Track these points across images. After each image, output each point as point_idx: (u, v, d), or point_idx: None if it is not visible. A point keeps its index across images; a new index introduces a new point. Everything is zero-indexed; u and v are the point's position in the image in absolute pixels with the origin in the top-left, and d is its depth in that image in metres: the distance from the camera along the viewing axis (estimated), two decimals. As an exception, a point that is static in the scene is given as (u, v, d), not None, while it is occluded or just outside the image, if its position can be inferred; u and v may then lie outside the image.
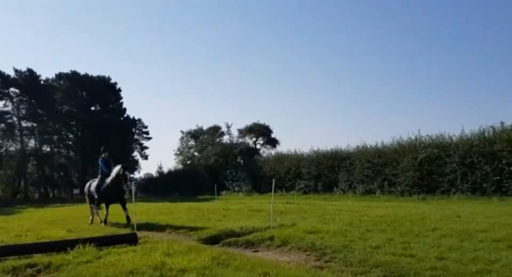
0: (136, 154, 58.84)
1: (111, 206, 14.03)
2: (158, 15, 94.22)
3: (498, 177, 20.14)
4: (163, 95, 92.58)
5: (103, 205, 14.41)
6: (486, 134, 21.93)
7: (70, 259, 7.49)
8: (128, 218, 12.85)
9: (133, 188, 12.34)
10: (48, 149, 53.54)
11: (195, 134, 50.04)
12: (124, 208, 13.16)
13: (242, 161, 41.15)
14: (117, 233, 10.50)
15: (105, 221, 13.58)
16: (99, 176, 14.10)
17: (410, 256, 6.94)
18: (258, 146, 45.76)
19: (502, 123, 21.46)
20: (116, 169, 13.12)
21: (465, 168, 21.48)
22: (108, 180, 13.36)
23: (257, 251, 8.43)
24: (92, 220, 14.43)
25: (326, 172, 29.91)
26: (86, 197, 15.08)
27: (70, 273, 6.58)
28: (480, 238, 8.23)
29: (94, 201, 14.32)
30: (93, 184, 14.36)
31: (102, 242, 8.79)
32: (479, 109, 67.92)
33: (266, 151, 44.18)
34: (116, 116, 55.59)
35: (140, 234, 10.10)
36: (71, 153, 55.89)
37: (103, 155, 14.29)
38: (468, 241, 8.07)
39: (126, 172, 12.87)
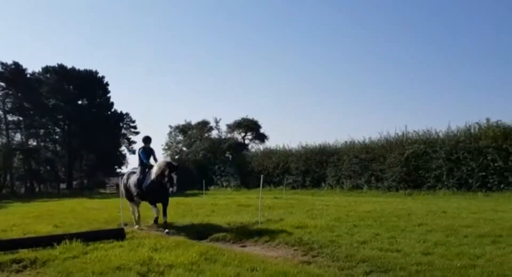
0: (123, 148, 58.50)
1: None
2: (146, 10, 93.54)
3: (483, 173, 20.39)
4: (151, 90, 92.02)
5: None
6: (472, 131, 22.15)
7: (56, 254, 7.44)
8: (166, 224, 10.71)
9: (120, 182, 12.22)
10: (35, 143, 52.95)
11: (184, 129, 49.77)
12: (165, 213, 10.88)
13: (230, 156, 41.10)
14: (104, 228, 10.46)
15: (156, 221, 11.40)
16: (138, 169, 11.70)
17: (396, 251, 7.01)
18: (246, 141, 45.72)
19: (487, 120, 21.70)
20: (159, 166, 10.81)
21: (451, 164, 21.71)
22: (153, 174, 10.95)
23: (244, 246, 8.45)
24: (138, 221, 11.72)
25: (314, 168, 30.03)
26: (122, 192, 12.20)
27: (57, 268, 6.54)
28: (465, 233, 8.34)
29: (133, 198, 11.76)
30: (132, 177, 11.85)
31: (89, 237, 8.74)
32: (465, 106, 68.65)
33: (254, 146, 44.17)
34: (103, 111, 55.13)
35: (127, 229, 10.07)
36: (58, 148, 55.35)
37: (144, 145, 12.01)
38: (454, 236, 8.17)
39: (173, 174, 10.42)
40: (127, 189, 11.97)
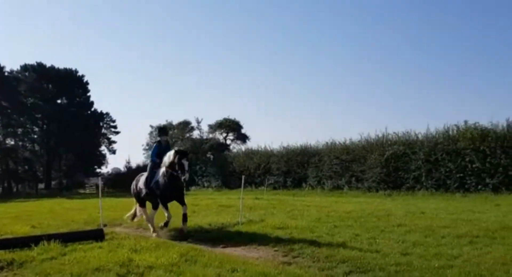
0: (103, 148, 57.92)
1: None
2: (126, 7, 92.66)
3: (461, 174, 20.75)
4: (132, 89, 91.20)
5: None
6: (450, 132, 22.54)
7: (34, 255, 7.32)
8: (185, 216, 9.64)
9: (100, 182, 12.05)
10: (12, 143, 52.12)
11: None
12: (183, 204, 9.81)
13: (212, 157, 41.02)
14: (83, 229, 10.32)
15: (166, 224, 10.11)
16: (148, 166, 10.59)
17: (375, 251, 7.08)
18: (228, 142, 45.70)
19: (465, 122, 22.12)
20: (168, 155, 9.64)
21: (429, 165, 22.03)
22: (160, 171, 9.81)
23: (225, 247, 8.42)
24: (155, 228, 10.14)
25: (296, 168, 30.16)
26: (134, 197, 11.09)
27: (34, 270, 6.43)
28: (443, 234, 8.47)
29: (143, 201, 10.68)
30: (141, 178, 10.62)
31: (68, 238, 8.61)
32: (444, 108, 69.70)
33: (236, 147, 44.18)
34: (83, 110, 54.54)
35: (106, 230, 9.95)
36: (36, 147, 54.52)
37: (159, 139, 10.56)
38: (432, 236, 8.29)
39: (183, 161, 9.29)
40: (138, 193, 10.63)
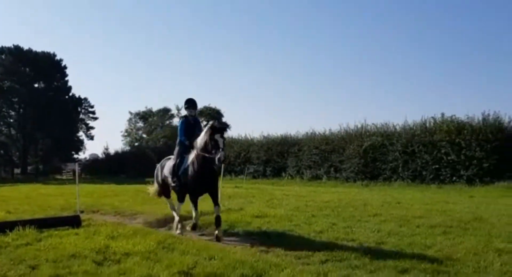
0: (81, 134, 57.05)
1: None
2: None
3: (436, 166, 21.09)
4: (111, 75, 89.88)
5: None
6: (427, 125, 22.82)
7: (9, 241, 7.23)
8: (218, 219, 7.76)
9: (76, 168, 11.91)
10: (-13, 126, 50.97)
11: (144, 116, 49.04)
12: (216, 203, 7.93)
13: (192, 144, 40.86)
14: (59, 215, 10.21)
15: (194, 227, 8.60)
16: (176, 149, 8.46)
17: (351, 240, 7.20)
18: (208, 130, 45.54)
19: (442, 114, 22.39)
20: (202, 135, 7.74)
21: (406, 156, 22.32)
22: (190, 157, 7.93)
23: (203, 234, 8.44)
24: (179, 227, 8.41)
25: (275, 158, 30.24)
26: (156, 186, 9.46)
27: (9, 255, 6.34)
28: (417, 224, 8.63)
29: (168, 192, 9.03)
30: (167, 164, 8.72)
31: (43, 224, 8.52)
32: (422, 100, 70.62)
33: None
34: (61, 94, 53.52)
35: (83, 216, 9.85)
36: (12, 131, 53.45)
37: (186, 113, 8.62)
38: (406, 226, 8.44)
39: (217, 137, 7.39)
40: (163, 181, 8.84)
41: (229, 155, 33.12)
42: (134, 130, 50.10)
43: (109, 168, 45.70)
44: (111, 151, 51.01)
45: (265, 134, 32.88)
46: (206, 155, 7.48)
